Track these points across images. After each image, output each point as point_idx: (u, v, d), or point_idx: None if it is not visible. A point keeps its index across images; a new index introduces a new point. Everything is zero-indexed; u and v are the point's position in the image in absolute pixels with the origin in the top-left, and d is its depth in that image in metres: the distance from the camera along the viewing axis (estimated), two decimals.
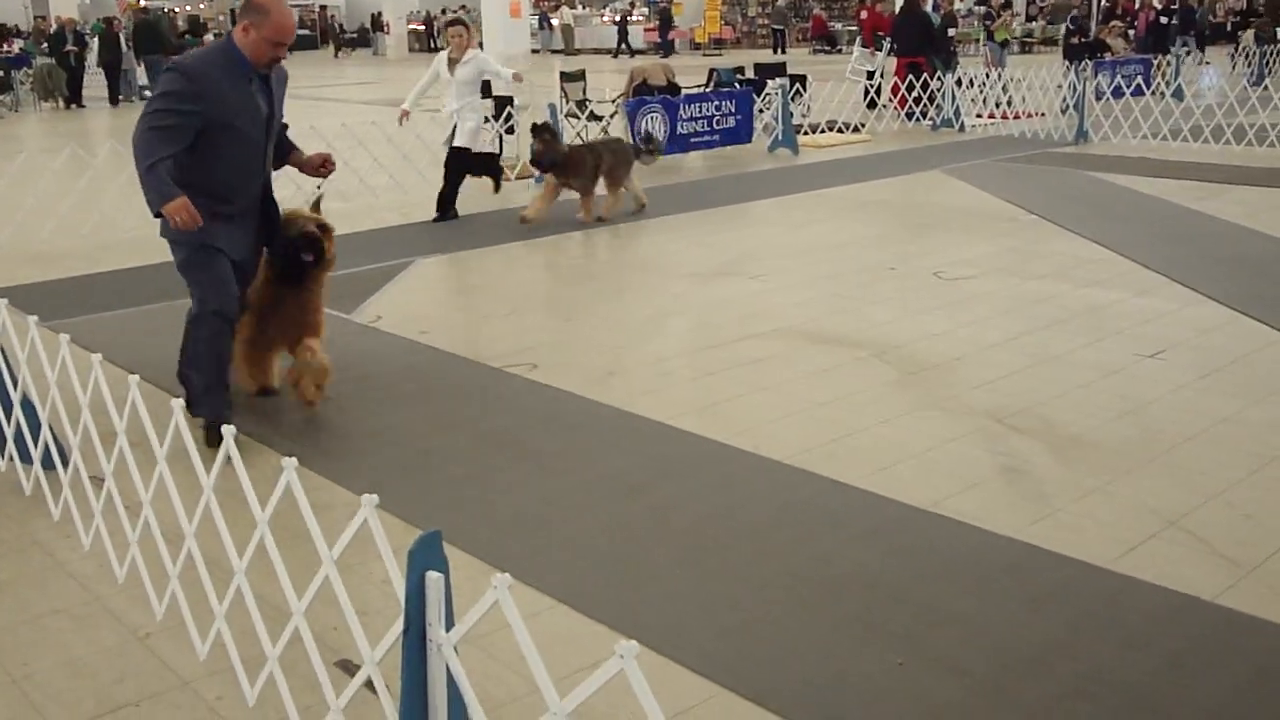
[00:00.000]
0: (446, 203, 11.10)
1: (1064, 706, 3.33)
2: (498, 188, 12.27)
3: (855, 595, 3.97)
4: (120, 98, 26.27)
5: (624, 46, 40.60)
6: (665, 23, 40.62)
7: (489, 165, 12.02)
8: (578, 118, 15.06)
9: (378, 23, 49.08)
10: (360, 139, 12.51)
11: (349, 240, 9.97)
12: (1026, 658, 3.57)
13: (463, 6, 46.48)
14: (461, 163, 11.11)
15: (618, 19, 42.23)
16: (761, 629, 3.77)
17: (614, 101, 15.36)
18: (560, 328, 7.38)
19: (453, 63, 10.80)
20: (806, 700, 3.39)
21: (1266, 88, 17.62)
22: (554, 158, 10.37)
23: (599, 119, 15.20)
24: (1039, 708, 3.33)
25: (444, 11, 49.46)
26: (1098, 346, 6.67)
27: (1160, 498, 4.69)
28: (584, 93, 16.27)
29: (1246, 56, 24.74)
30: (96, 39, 27.02)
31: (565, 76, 16.51)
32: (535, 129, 10.54)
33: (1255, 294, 7.69)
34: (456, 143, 10.98)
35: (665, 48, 38.86)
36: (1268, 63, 23.93)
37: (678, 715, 3.32)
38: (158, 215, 5.04)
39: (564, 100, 15.65)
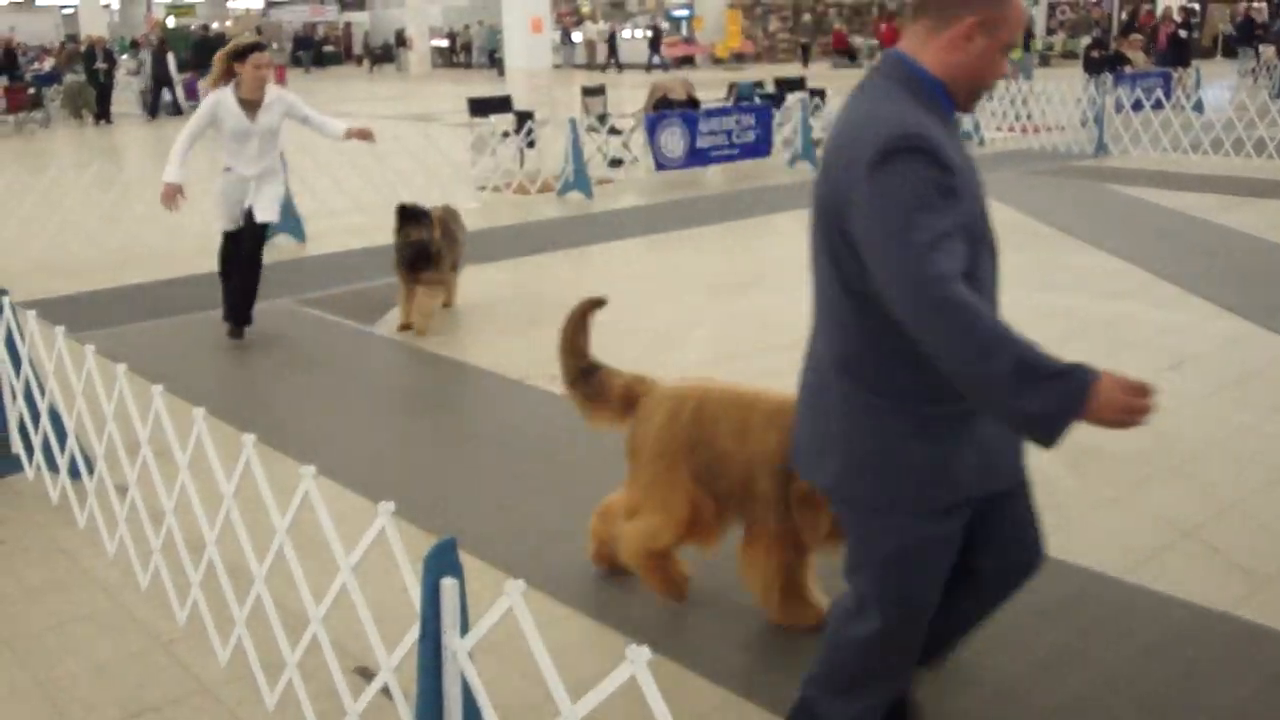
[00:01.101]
0: (241, 311, 7.61)
1: (1077, 715, 3.35)
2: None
3: None
4: (152, 114, 26.69)
5: (613, 61, 40.76)
6: (656, 39, 40.70)
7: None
8: (598, 132, 15.14)
9: (401, 39, 49.40)
10: (383, 153, 12.62)
11: (371, 254, 10.06)
12: (1040, 666, 3.59)
13: (480, 21, 46.74)
14: (258, 245, 7.55)
15: (609, 35, 42.28)
16: (777, 639, 3.80)
17: (634, 116, 15.43)
18: None
19: (249, 106, 7.19)
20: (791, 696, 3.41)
21: None
22: (437, 248, 7.65)
23: (619, 133, 15.28)
24: (1052, 716, 3.34)
25: (466, 28, 49.69)
26: (1116, 358, 6.67)
27: (1176, 509, 4.70)
28: (605, 107, 16.35)
29: (1268, 69, 24.66)
30: (148, 56, 27.51)
31: (586, 91, 16.60)
32: (407, 214, 7.60)
33: (1275, 306, 7.67)
34: (262, 217, 7.40)
35: (661, 65, 38.99)
36: None
37: None
38: (1050, 433, 2.52)
39: (585, 115, 15.74)
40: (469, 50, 48.98)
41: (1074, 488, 4.93)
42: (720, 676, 3.58)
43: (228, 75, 7.21)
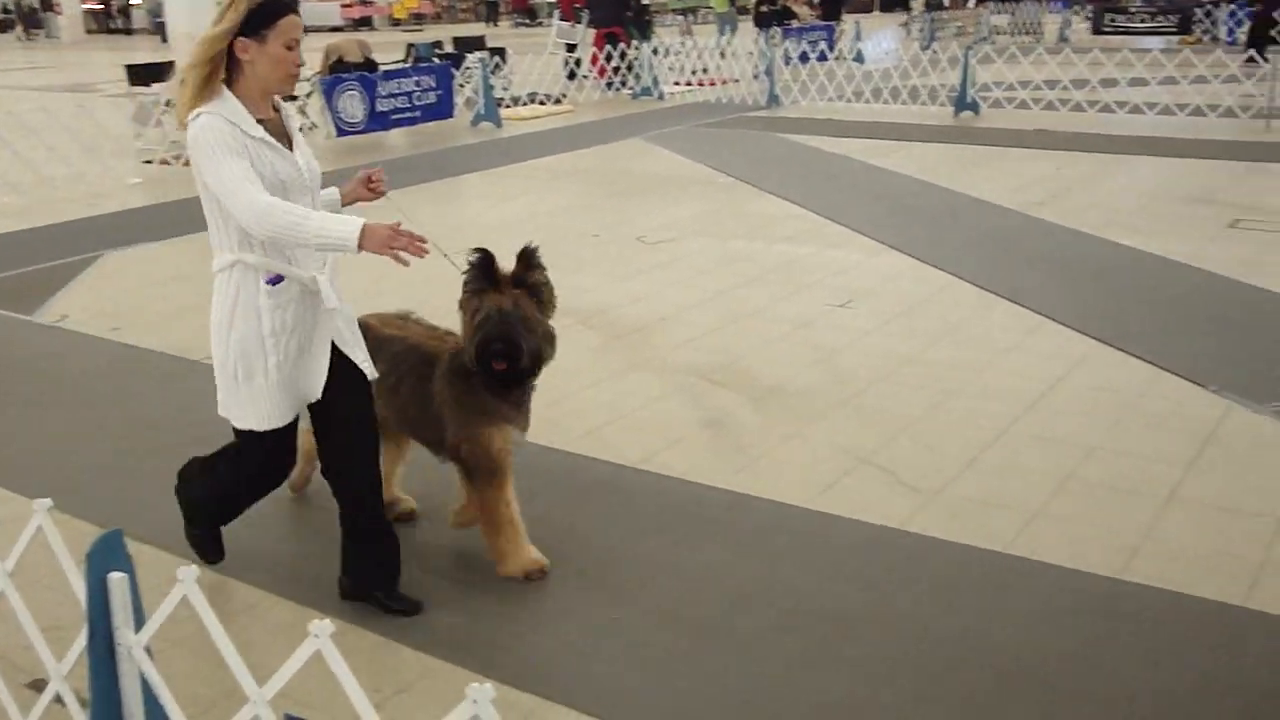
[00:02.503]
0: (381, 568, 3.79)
1: (771, 638, 3.51)
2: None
3: (571, 555, 4.03)
4: None
5: None
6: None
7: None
8: None
9: (47, 1, 45.78)
10: (34, 127, 11.69)
11: (24, 236, 9.33)
12: (734, 597, 3.73)
13: None
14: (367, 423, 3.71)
15: None
16: (482, 603, 3.78)
17: (309, 80, 14.89)
18: None
19: (276, 131, 3.51)
20: (500, 657, 3.43)
21: (935, 52, 18.83)
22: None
23: (294, 98, 14.70)
24: (749, 642, 3.49)
25: None
26: (792, 300, 7.00)
27: (852, 437, 4.99)
28: None
29: (919, 22, 26.39)
30: None
31: None
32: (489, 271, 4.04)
33: (930, 241, 8.25)
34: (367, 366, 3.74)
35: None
36: (936, 28, 25.61)
37: (400, 692, 3.30)
38: None
39: None
40: (127, 14, 45.99)
41: (757, 426, 5.14)
42: (426, 645, 3.53)
43: (216, 75, 3.39)
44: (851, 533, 4.17)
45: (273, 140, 3.44)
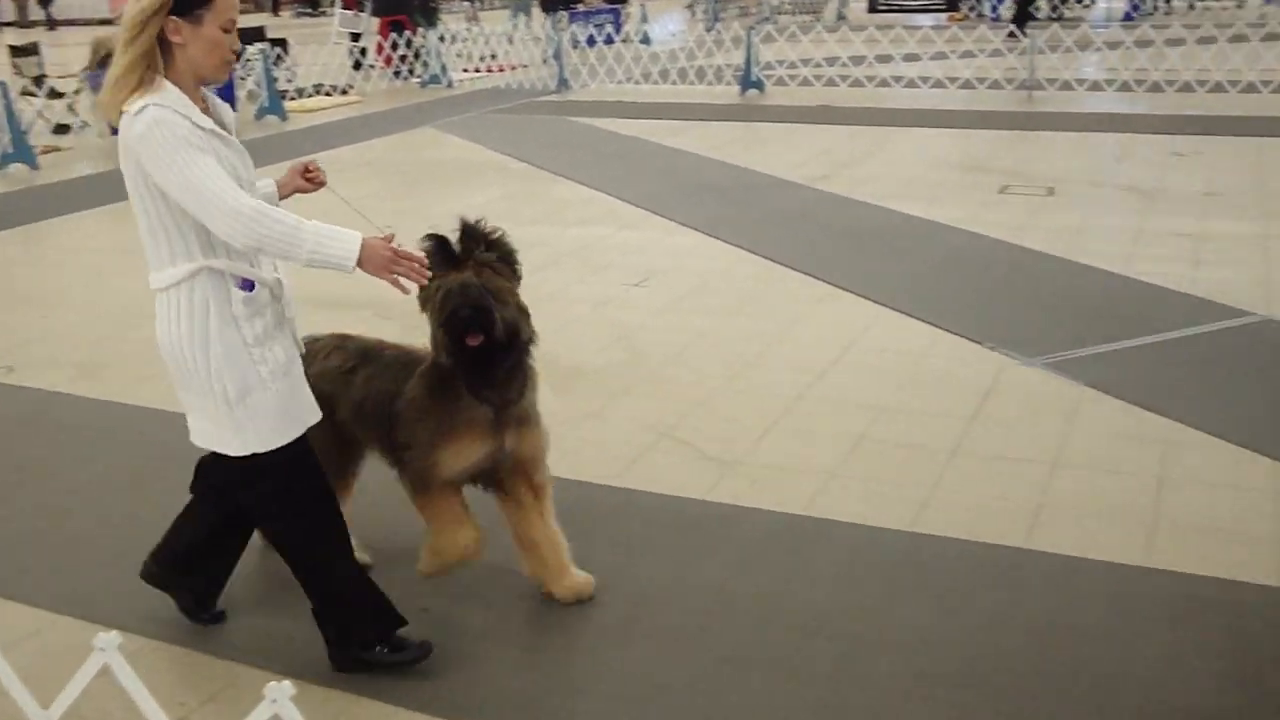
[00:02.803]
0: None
1: (577, 615, 3.56)
2: None
3: (376, 549, 3.99)
4: None
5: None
6: None
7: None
8: (36, 95, 13.79)
9: None
10: None
11: None
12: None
13: None
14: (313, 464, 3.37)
15: None
16: (277, 596, 3.70)
17: (78, 76, 14.19)
18: (38, 323, 6.78)
19: (217, 120, 3.16)
20: (309, 657, 3.37)
21: (719, 32, 19.18)
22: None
23: (61, 95, 14.00)
24: (555, 620, 3.54)
25: None
26: (589, 281, 7.05)
27: (652, 413, 5.07)
28: (40, 68, 14.90)
29: (703, 4, 26.83)
30: None
31: (15, 51, 15.08)
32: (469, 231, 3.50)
33: (721, 218, 8.42)
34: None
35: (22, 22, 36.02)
36: (719, 9, 26.10)
37: (207, 702, 3.21)
38: None
39: (17, 77, 14.30)
40: None
41: (560, 409, 5.15)
42: (233, 652, 3.45)
43: (157, 61, 3.04)
44: (654, 507, 4.25)
45: (221, 130, 3.11)
